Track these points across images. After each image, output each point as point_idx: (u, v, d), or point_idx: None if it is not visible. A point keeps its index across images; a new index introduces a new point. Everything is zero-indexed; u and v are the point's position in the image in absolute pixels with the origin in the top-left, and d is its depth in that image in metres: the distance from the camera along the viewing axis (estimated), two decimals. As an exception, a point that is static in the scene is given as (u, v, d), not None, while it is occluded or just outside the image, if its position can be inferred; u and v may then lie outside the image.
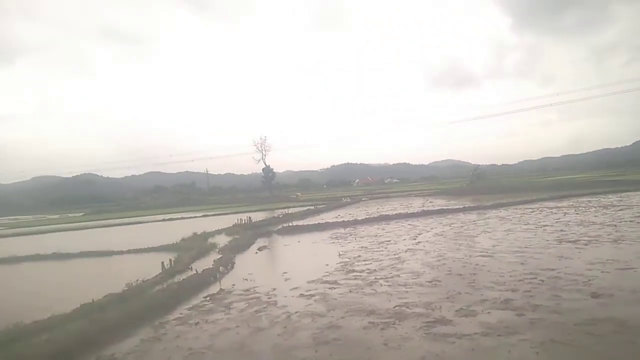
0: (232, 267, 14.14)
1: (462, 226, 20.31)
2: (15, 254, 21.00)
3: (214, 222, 31.43)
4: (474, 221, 22.03)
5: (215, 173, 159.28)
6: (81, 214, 72.33)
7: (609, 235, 14.70)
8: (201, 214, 44.95)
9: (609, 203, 26.23)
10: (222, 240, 20.61)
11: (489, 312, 7.71)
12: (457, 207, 30.25)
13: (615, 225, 16.68)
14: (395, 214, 28.25)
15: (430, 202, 41.56)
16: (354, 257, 14.23)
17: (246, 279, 12.16)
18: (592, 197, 32.22)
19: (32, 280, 16.05)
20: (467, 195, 47.91)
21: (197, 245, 18.55)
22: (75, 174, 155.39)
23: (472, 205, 30.71)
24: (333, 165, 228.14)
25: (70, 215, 72.48)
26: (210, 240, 20.94)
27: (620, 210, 21.96)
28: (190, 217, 41.97)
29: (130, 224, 40.87)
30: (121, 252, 19.37)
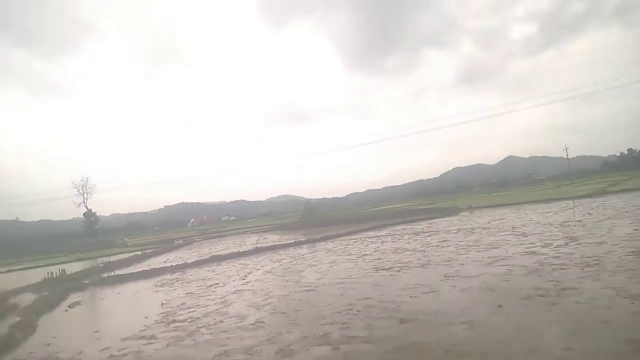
0: (34, 331, 12.28)
1: (291, 261, 20.63)
2: None
3: (20, 278, 27.49)
4: (303, 255, 22.56)
5: (28, 220, 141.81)
6: None
7: (418, 260, 16.09)
8: (5, 269, 39.21)
9: (420, 230, 29.04)
10: (27, 299, 17.99)
11: (307, 350, 7.73)
12: (289, 242, 30.90)
13: (424, 251, 18.39)
14: (228, 253, 27.80)
15: (265, 238, 41.88)
16: (178, 306, 13.41)
17: (49, 344, 10.63)
18: (407, 225, 35.41)
19: None
20: (299, 229, 49.36)
21: (-8, 308, 15.89)
22: None
23: (303, 239, 31.56)
24: (167, 206, 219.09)
25: None
26: (12, 300, 18.10)
27: (429, 236, 24.40)
28: (-9, 274, 36.26)
29: None
30: None
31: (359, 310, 9.91)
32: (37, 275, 27.13)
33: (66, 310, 15.42)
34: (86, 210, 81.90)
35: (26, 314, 14.32)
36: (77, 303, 16.59)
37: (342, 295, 11.85)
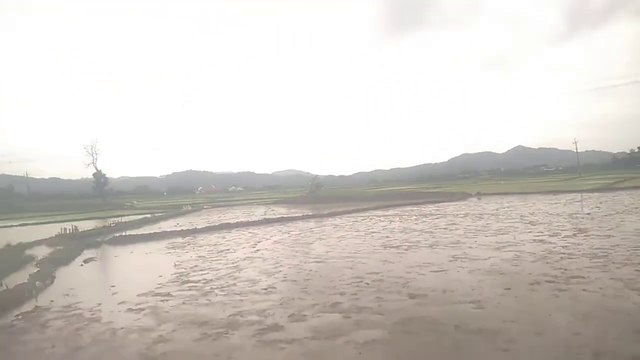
0: (52, 282, 12.66)
1: (299, 234, 20.96)
2: None
3: (33, 232, 28.09)
4: (311, 229, 22.89)
5: (38, 177, 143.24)
6: None
7: (426, 241, 16.34)
8: (18, 223, 39.94)
9: (428, 212, 29.26)
10: (43, 252, 18.49)
11: (318, 316, 8.00)
12: (297, 215, 31.22)
13: (432, 232, 18.62)
14: (237, 222, 28.17)
15: (272, 210, 42.37)
16: (191, 267, 13.77)
17: (67, 295, 11.00)
18: (414, 206, 35.69)
19: None
20: (306, 204, 49.81)
21: (10, 258, 16.33)
22: None
23: (310, 213, 31.92)
24: (175, 172, 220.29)
25: None
26: (28, 252, 18.58)
27: (436, 218, 24.61)
28: (5, 227, 36.94)
29: None
30: None
31: (367, 284, 10.16)
32: (49, 230, 27.73)
33: (81, 265, 15.84)
34: (96, 171, 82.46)
35: (43, 265, 14.75)
36: (92, 259, 17.01)
37: (351, 268, 12.12)
